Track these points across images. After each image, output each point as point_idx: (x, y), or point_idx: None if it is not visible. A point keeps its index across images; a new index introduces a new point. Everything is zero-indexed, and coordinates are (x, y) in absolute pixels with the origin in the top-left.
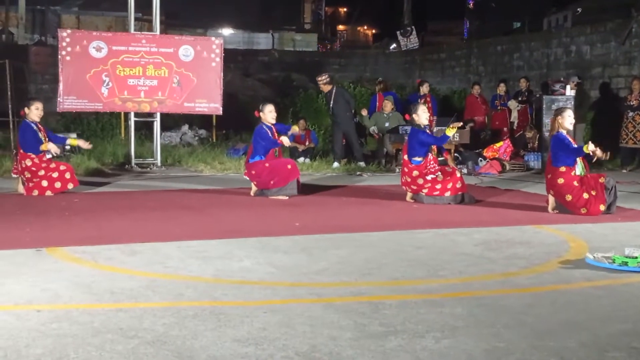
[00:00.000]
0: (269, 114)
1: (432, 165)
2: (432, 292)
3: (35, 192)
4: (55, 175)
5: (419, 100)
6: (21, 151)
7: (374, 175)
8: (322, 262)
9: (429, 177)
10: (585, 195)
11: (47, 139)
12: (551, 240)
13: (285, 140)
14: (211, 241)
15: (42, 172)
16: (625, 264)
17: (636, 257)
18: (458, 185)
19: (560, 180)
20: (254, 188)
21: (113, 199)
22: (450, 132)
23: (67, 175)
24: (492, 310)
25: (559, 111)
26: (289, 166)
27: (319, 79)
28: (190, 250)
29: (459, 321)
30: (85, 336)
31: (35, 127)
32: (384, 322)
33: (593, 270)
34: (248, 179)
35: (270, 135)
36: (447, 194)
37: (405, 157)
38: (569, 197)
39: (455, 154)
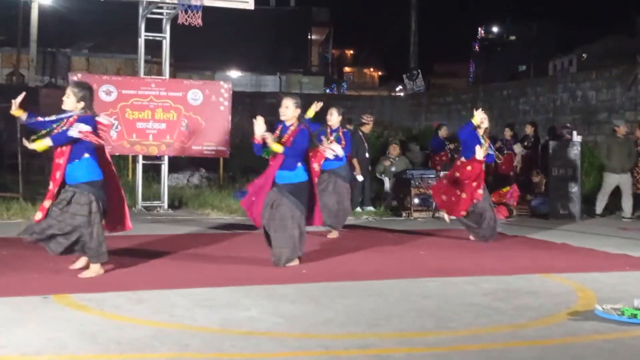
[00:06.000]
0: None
1: None
2: (440, 344)
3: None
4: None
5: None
6: None
7: (380, 219)
8: (329, 312)
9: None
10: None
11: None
12: (559, 290)
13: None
14: (217, 289)
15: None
16: (635, 316)
17: None
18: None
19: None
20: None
21: (119, 243)
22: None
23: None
24: None
25: None
26: (253, 199)
27: (370, 118)
28: (197, 299)
29: None
30: None
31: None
32: None
33: (602, 323)
34: None
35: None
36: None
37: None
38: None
39: None
